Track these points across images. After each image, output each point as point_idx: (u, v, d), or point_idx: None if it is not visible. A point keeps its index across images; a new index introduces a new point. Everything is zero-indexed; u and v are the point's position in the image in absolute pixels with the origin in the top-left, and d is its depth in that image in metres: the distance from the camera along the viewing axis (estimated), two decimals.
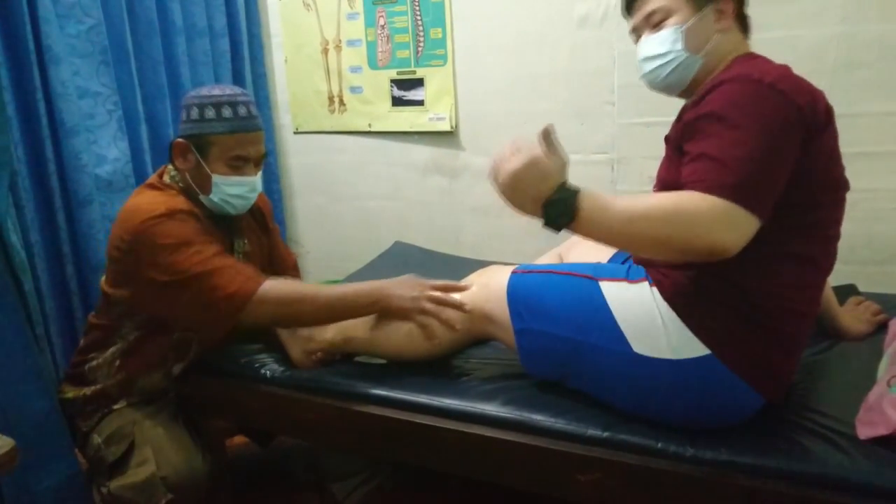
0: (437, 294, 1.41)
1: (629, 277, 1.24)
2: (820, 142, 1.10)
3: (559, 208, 1.04)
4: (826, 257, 1.19)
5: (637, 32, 1.31)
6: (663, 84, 1.29)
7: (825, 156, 1.13)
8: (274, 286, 1.42)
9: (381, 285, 1.45)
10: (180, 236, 1.41)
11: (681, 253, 1.05)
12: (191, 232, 1.43)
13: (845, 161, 1.20)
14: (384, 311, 1.44)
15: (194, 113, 1.47)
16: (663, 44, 1.24)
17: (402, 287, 1.43)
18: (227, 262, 1.43)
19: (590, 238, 1.09)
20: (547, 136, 1.06)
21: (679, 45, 1.22)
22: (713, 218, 0.99)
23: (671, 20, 1.23)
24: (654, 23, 1.25)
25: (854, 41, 1.83)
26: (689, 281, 1.16)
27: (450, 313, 1.38)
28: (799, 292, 1.15)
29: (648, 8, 1.25)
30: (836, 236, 1.20)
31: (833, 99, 1.15)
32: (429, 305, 1.39)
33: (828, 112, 1.12)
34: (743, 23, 1.27)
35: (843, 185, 1.19)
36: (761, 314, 1.13)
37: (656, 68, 1.27)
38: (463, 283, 1.46)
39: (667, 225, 1.01)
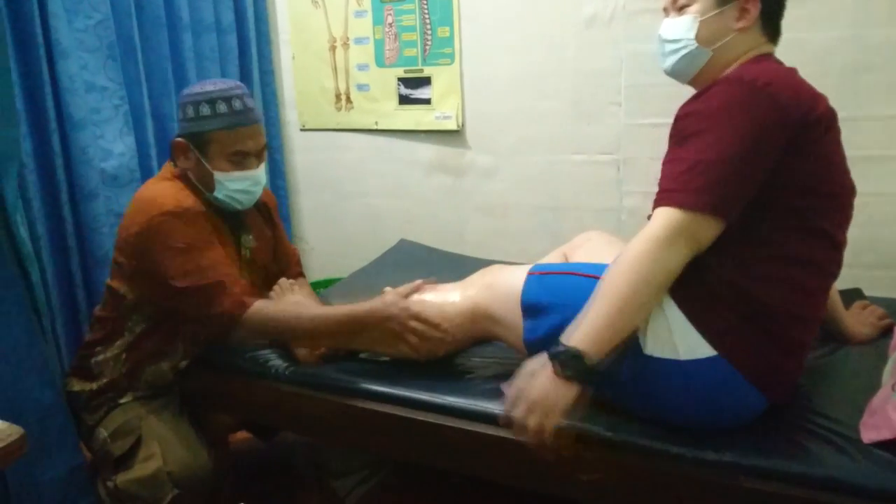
0: (419, 327, 1.41)
1: None
2: (816, 146, 1.10)
3: (574, 368, 1.07)
4: (831, 263, 1.19)
5: (666, 13, 1.32)
6: (671, 69, 1.31)
7: (824, 160, 1.13)
8: (262, 309, 1.43)
9: (369, 312, 1.44)
10: (184, 239, 1.41)
11: (665, 282, 1.10)
12: (195, 235, 1.43)
13: (851, 164, 1.19)
14: (373, 329, 1.45)
15: (190, 111, 1.46)
16: (677, 29, 1.25)
17: (388, 313, 1.43)
18: (221, 275, 1.43)
19: (611, 343, 1.09)
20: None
21: (691, 34, 1.23)
22: (676, 233, 1.07)
23: (693, 7, 1.24)
24: (679, 6, 1.27)
25: (862, 44, 1.82)
26: (697, 283, 1.16)
27: (432, 335, 1.40)
28: (803, 297, 1.15)
29: None
30: (842, 242, 1.19)
31: (840, 102, 1.15)
32: (415, 325, 1.41)
33: (828, 117, 1.13)
34: (770, 27, 1.26)
35: (847, 191, 1.19)
36: (766, 318, 1.12)
37: (668, 53, 1.29)
38: (464, 282, 1.47)
39: (639, 277, 1.07)
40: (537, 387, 1.09)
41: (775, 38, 1.28)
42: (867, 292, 1.67)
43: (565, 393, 1.07)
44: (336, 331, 1.46)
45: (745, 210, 1.11)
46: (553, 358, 1.09)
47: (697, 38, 1.23)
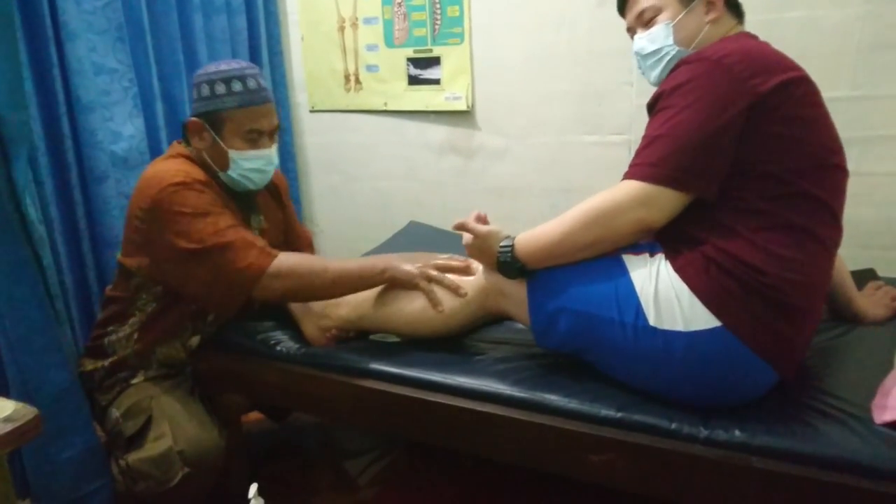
0: (441, 262, 1.48)
1: (651, 251, 1.25)
2: (779, 114, 1.12)
3: (504, 249, 1.29)
4: (825, 228, 1.18)
5: (631, 31, 1.37)
6: (660, 79, 1.34)
7: (794, 126, 1.14)
8: (286, 260, 1.45)
9: (388, 257, 1.51)
10: (197, 206, 1.43)
11: (616, 242, 1.22)
12: (207, 202, 1.45)
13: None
14: (391, 280, 1.48)
15: (205, 90, 1.48)
16: (654, 40, 1.30)
17: (408, 258, 1.50)
18: (241, 234, 1.45)
19: (540, 264, 1.28)
20: (479, 219, 1.36)
21: (670, 40, 1.29)
22: (628, 203, 1.16)
23: (661, 16, 1.30)
24: (646, 20, 1.32)
25: (880, 22, 1.79)
26: (696, 253, 1.18)
27: (454, 279, 1.45)
28: (800, 263, 1.15)
29: (639, 7, 1.32)
30: (836, 207, 1.20)
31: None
32: (433, 273, 1.46)
33: (790, 83, 1.13)
34: (735, 9, 1.32)
35: (828, 152, 1.19)
36: (765, 285, 1.13)
37: (651, 64, 1.34)
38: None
39: (593, 226, 1.20)
40: (483, 246, 1.33)
41: (742, 16, 1.33)
42: (882, 273, 1.66)
43: (489, 261, 1.34)
44: (358, 278, 1.47)
45: (729, 182, 1.15)
46: (504, 247, 1.30)
47: (677, 41, 1.28)
